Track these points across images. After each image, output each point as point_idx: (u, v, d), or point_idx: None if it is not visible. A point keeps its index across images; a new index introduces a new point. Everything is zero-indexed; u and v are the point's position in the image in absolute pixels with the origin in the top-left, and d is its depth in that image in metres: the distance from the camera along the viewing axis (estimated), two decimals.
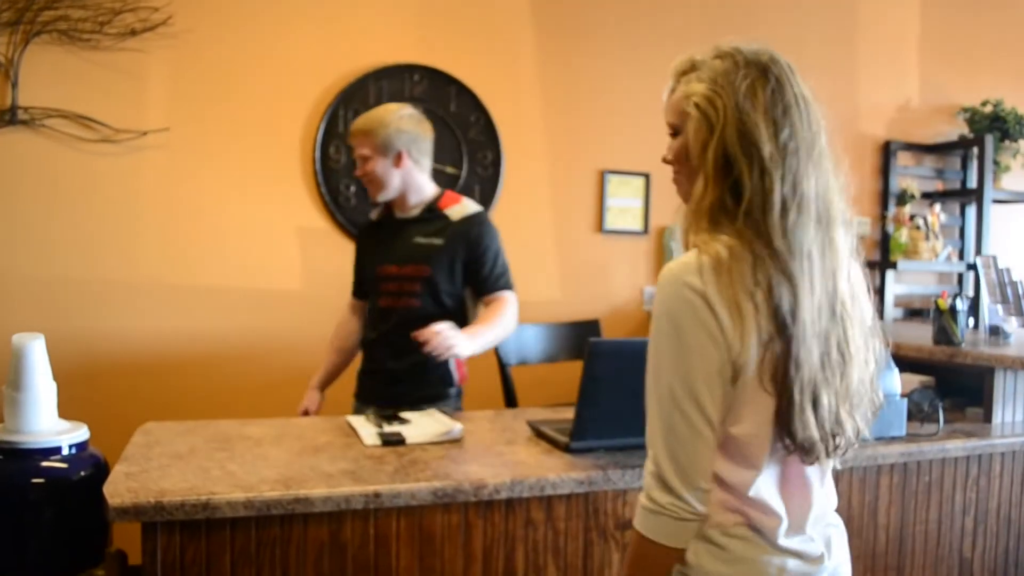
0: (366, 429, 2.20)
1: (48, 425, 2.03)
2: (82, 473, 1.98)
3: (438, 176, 3.65)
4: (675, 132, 1.35)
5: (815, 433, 1.25)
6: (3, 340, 2.12)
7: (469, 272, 2.60)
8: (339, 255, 3.58)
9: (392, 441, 2.09)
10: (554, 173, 4.04)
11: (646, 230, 4.20)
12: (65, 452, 1.99)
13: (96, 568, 1.92)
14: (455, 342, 2.30)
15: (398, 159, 2.58)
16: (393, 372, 2.62)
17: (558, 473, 1.88)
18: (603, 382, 1.96)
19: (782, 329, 1.21)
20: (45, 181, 3.35)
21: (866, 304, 1.36)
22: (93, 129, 3.37)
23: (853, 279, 1.33)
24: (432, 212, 2.64)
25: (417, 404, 2.53)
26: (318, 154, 3.57)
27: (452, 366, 2.64)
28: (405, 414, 2.37)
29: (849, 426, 1.29)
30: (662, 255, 4.23)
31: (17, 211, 3.34)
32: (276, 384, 3.51)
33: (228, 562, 1.71)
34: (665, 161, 1.38)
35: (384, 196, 2.65)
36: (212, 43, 3.48)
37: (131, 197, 3.44)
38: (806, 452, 1.26)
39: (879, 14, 4.76)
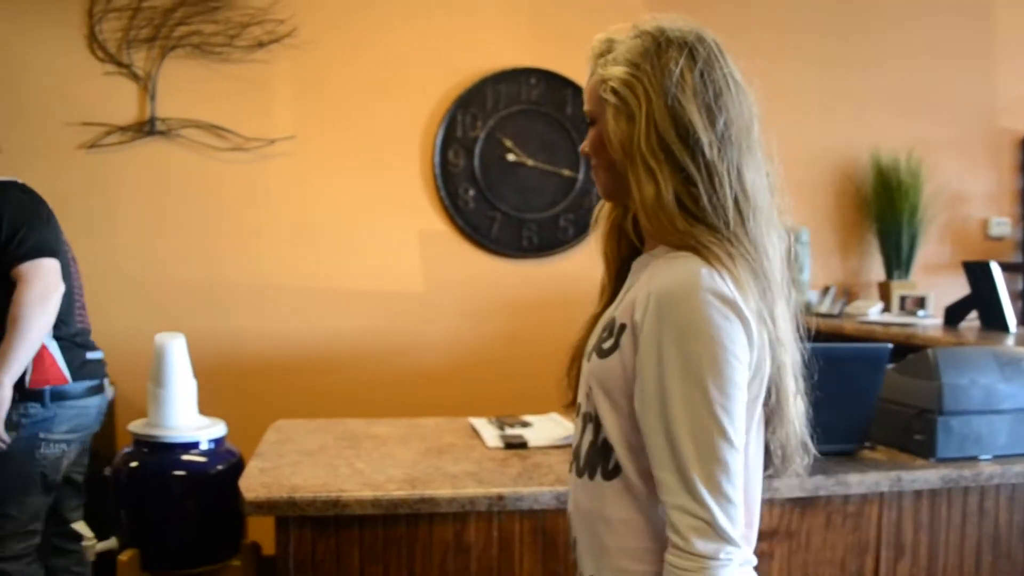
0: (488, 431, 2.22)
1: (188, 421, 2.13)
2: (219, 467, 2.07)
3: (555, 179, 3.66)
4: (592, 121, 1.19)
5: (796, 446, 1.19)
6: (147, 339, 2.24)
7: None
8: (459, 258, 3.64)
9: (514, 444, 2.09)
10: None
11: None
12: (204, 447, 2.09)
13: (232, 559, 2.00)
14: None
15: None
16: None
17: None
18: None
19: (774, 338, 1.12)
20: (182, 188, 3.53)
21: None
22: (225, 138, 3.52)
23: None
24: None
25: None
26: (437, 159, 3.63)
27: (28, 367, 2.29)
28: (527, 417, 2.38)
29: (802, 441, 1.21)
30: None
31: (157, 217, 3.53)
32: (399, 383, 3.59)
33: (357, 558, 1.75)
34: (583, 153, 1.23)
35: None
36: (334, 52, 3.58)
37: (261, 202, 3.58)
38: (784, 464, 1.21)
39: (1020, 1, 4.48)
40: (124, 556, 1.92)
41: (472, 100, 3.63)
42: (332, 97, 3.59)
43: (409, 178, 3.67)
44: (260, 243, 3.59)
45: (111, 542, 2.01)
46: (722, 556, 1.02)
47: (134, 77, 3.48)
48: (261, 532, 1.94)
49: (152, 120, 3.48)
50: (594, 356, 1.16)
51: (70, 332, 2.38)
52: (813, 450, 1.23)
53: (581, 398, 1.21)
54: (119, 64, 3.47)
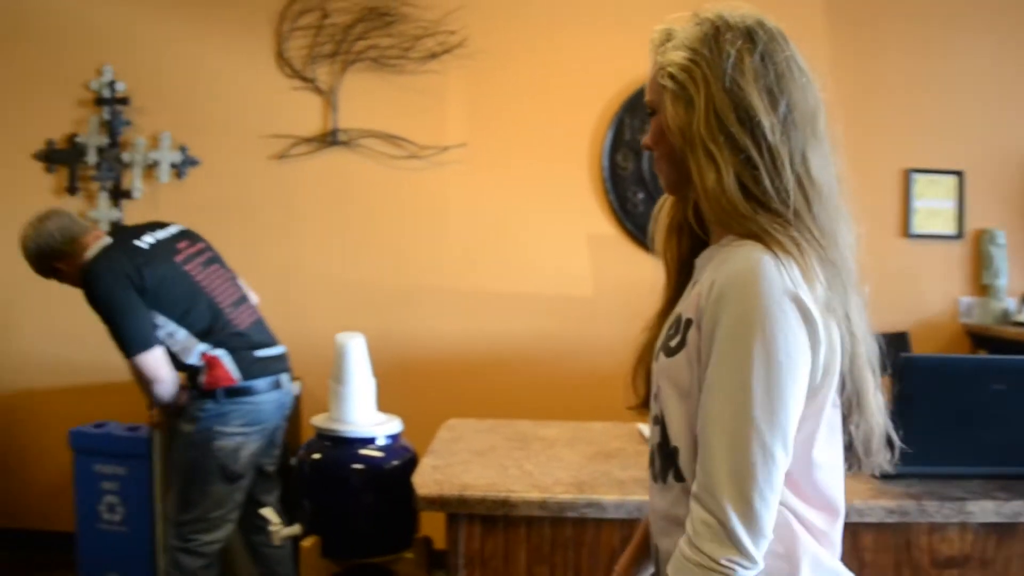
0: None
1: (367, 417, 2.23)
2: (395, 462, 2.15)
3: None
4: (653, 111, 1.16)
5: (878, 439, 1.14)
6: (331, 338, 2.36)
7: None
8: (628, 261, 3.61)
9: None
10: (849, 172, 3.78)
11: (960, 234, 3.80)
12: (380, 442, 2.17)
13: (406, 551, 2.07)
14: None
15: None
16: None
17: (864, 499, 1.74)
18: (918, 402, 1.79)
19: (848, 330, 1.07)
20: (361, 195, 3.70)
21: None
22: (400, 146, 3.66)
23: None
24: None
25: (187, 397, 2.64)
26: (606, 162, 3.62)
27: (201, 370, 2.60)
28: None
29: (879, 435, 1.16)
30: (980, 261, 3.80)
31: (340, 222, 3.73)
32: (568, 386, 3.61)
33: (524, 558, 1.77)
34: (645, 147, 1.19)
35: None
36: (503, 61, 3.65)
37: (436, 208, 3.70)
38: (867, 458, 1.15)
39: None
40: (306, 543, 2.03)
41: (640, 103, 3.59)
42: (502, 104, 3.66)
43: (578, 182, 3.68)
44: (434, 247, 3.71)
45: (295, 528, 2.12)
46: (724, 562, 0.98)
47: (318, 91, 3.68)
48: (433, 527, 2.00)
49: (334, 131, 3.68)
50: (662, 355, 1.14)
51: (231, 337, 2.60)
52: (898, 443, 1.17)
53: (652, 400, 1.19)
54: (304, 79, 3.68)
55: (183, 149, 3.75)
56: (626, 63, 3.63)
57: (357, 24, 3.63)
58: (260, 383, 2.60)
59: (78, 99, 3.80)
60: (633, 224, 3.62)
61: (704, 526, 1.00)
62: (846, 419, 1.12)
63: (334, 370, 2.23)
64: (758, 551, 0.99)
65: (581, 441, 2.21)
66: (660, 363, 1.14)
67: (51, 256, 2.62)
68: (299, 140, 3.70)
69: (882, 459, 1.16)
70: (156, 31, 3.74)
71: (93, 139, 3.79)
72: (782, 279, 1.00)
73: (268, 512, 2.23)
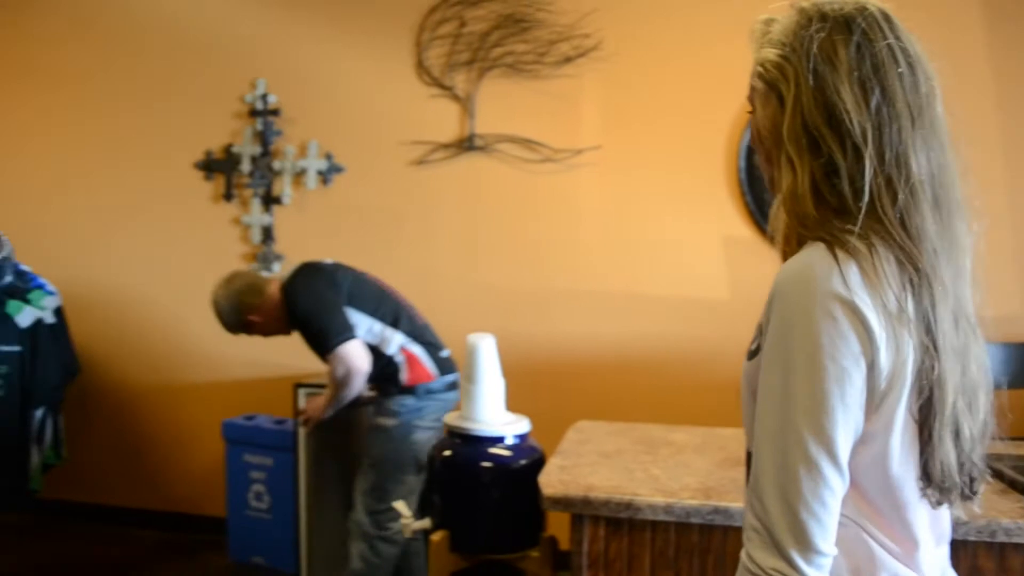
0: None
1: (496, 416, 2.26)
2: (523, 462, 2.16)
3: None
4: (752, 110, 1.10)
5: (955, 470, 1.00)
6: (464, 340, 2.41)
7: None
8: (764, 265, 3.49)
9: None
10: (1011, 169, 3.53)
11: None
12: (509, 441, 2.19)
13: (532, 549, 2.09)
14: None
15: None
16: None
17: (1014, 519, 1.63)
18: None
19: (928, 342, 0.96)
20: (497, 199, 3.76)
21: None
22: (535, 150, 3.70)
23: (974, 282, 1.04)
24: None
25: (380, 394, 2.91)
26: (743, 163, 3.53)
27: (401, 367, 2.84)
28: None
29: (982, 464, 1.04)
30: None
31: (475, 226, 3.81)
32: (700, 391, 3.54)
33: (648, 562, 1.75)
34: (752, 146, 1.13)
35: None
36: (638, 62, 3.62)
37: (570, 211, 3.72)
38: (942, 493, 1.01)
39: None
40: (435, 537, 2.08)
41: None
42: (636, 106, 3.64)
43: (713, 184, 3.61)
44: (567, 249, 3.73)
45: (425, 522, 2.18)
46: (771, 573, 0.94)
47: (455, 98, 3.78)
48: (560, 527, 2.01)
49: (471, 136, 3.76)
50: (745, 359, 1.10)
51: (424, 335, 2.87)
52: (987, 478, 1.07)
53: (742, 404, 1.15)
54: (442, 87, 3.78)
55: (329, 157, 3.93)
56: None
57: (493, 31, 3.70)
58: (447, 380, 2.87)
59: (234, 111, 4.05)
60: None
61: (754, 532, 0.98)
62: (921, 441, 1.01)
63: (465, 369, 2.28)
64: (810, 567, 0.94)
65: (711, 447, 2.17)
66: (743, 367, 1.12)
67: (245, 311, 2.90)
68: (437, 146, 3.80)
69: (955, 497, 1.03)
70: (305, 46, 3.94)
71: (247, 149, 4.03)
72: (831, 281, 0.94)
73: (400, 505, 2.30)
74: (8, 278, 3.66)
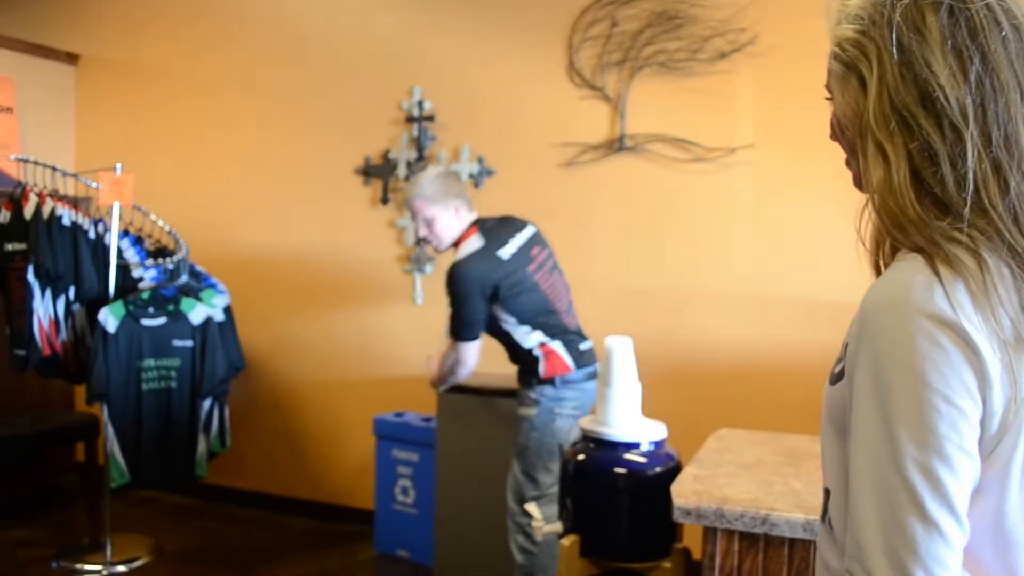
0: None
1: (632, 421, 2.20)
2: (657, 469, 2.09)
3: None
4: (830, 97, 0.95)
5: None
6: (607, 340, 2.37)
7: None
8: None
9: None
10: None
11: None
12: (644, 448, 2.13)
13: (664, 560, 2.01)
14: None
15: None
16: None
17: None
18: None
19: None
20: (648, 199, 3.68)
21: None
22: (687, 150, 3.59)
23: None
24: None
25: (521, 385, 2.99)
26: None
27: (539, 359, 2.90)
28: None
29: None
30: None
31: (625, 227, 3.74)
32: None
33: None
34: (832, 138, 0.97)
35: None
36: (796, 55, 3.43)
37: (722, 212, 3.58)
38: None
39: None
40: (566, 541, 2.04)
41: None
42: (792, 102, 3.46)
43: None
44: (719, 251, 3.59)
45: (556, 526, 2.15)
46: None
47: (606, 99, 3.73)
48: (695, 538, 1.92)
49: (621, 137, 3.70)
50: (828, 381, 0.95)
51: (565, 331, 2.95)
52: None
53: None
54: (593, 88, 3.75)
55: (480, 160, 3.98)
56: None
57: (645, 30, 3.62)
58: (585, 372, 2.92)
59: (392, 118, 4.18)
60: None
61: None
62: None
63: (601, 373, 2.23)
64: None
65: None
66: (825, 392, 0.96)
67: (441, 202, 2.96)
68: (587, 147, 3.77)
69: None
70: (459, 53, 4.01)
71: (403, 154, 4.15)
72: (935, 302, 0.80)
73: (532, 508, 2.27)
74: (184, 278, 3.93)
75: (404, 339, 4.13)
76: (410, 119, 4.12)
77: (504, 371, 3.84)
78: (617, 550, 2.05)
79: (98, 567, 3.70)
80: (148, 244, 4.15)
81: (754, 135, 3.51)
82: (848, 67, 0.91)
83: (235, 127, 4.57)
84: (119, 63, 4.93)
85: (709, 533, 1.70)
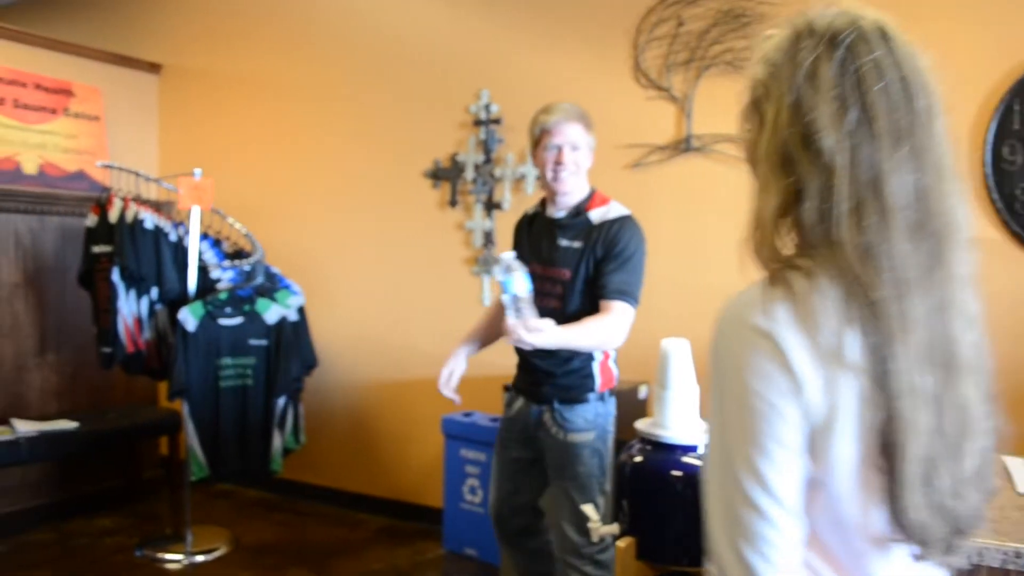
0: (1022, 472, 1.87)
1: (689, 423, 2.18)
2: None
3: None
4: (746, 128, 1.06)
5: (930, 521, 0.92)
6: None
7: (596, 272, 2.49)
8: (1017, 269, 3.12)
9: None
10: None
11: None
12: (702, 451, 2.12)
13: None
14: (523, 334, 2.20)
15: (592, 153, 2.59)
16: (538, 370, 2.59)
17: None
18: None
19: (877, 383, 0.89)
20: (714, 200, 3.65)
21: (984, 353, 0.98)
22: None
23: (970, 316, 0.96)
24: (579, 214, 2.58)
25: (562, 403, 2.55)
26: (989, 156, 3.16)
27: (595, 370, 2.57)
28: None
29: (971, 515, 0.95)
30: None
31: (691, 228, 3.71)
32: None
33: None
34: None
35: (571, 195, 2.59)
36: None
37: None
38: (922, 545, 0.94)
39: None
40: (622, 543, 2.04)
41: None
42: None
43: None
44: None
45: (613, 527, 2.15)
46: None
47: (672, 99, 3.71)
48: None
49: (688, 138, 3.67)
50: None
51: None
52: (975, 527, 0.98)
53: None
54: (659, 88, 3.73)
55: None
56: (1016, 40, 3.15)
57: (712, 29, 3.59)
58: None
59: (459, 122, 4.23)
60: (1021, 227, 3.11)
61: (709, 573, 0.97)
62: (887, 489, 0.93)
63: (658, 375, 2.22)
64: None
65: None
66: None
67: (592, 134, 2.60)
68: (653, 148, 3.75)
69: (937, 549, 0.95)
70: (525, 56, 4.04)
71: (471, 157, 4.20)
72: (759, 318, 0.92)
73: (588, 509, 2.28)
74: (259, 279, 4.06)
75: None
76: (477, 122, 4.17)
77: None
78: (673, 553, 2.04)
79: (179, 557, 3.86)
80: (226, 246, 4.30)
81: None
82: (754, 104, 1.01)
83: (308, 132, 4.70)
84: (199, 72, 5.12)
85: None
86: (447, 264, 4.28)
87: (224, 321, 3.85)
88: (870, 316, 0.90)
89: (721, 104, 3.60)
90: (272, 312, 3.94)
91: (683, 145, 3.68)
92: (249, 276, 4.09)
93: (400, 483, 4.41)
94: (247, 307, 3.91)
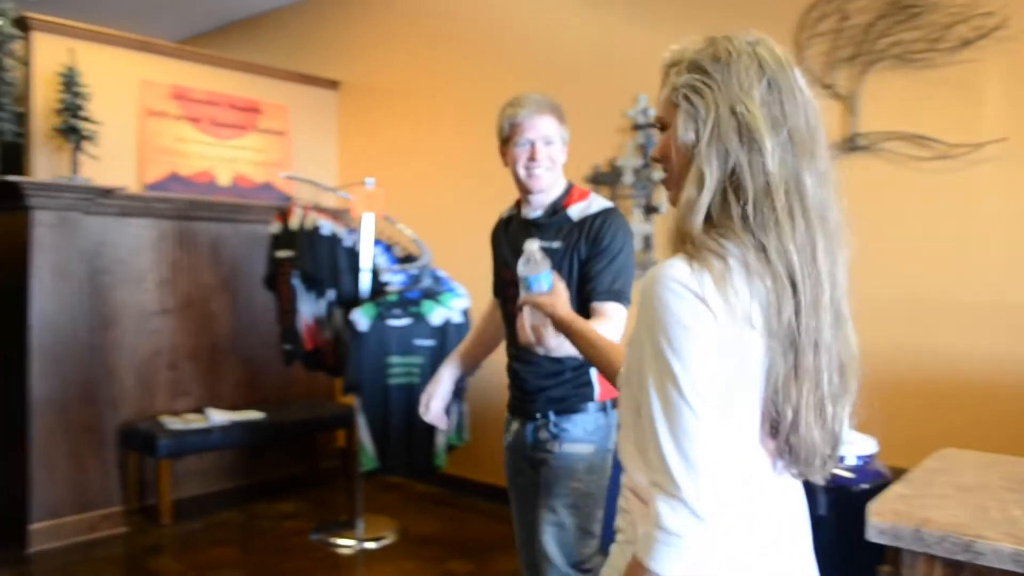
0: None
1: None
2: (863, 486, 2.02)
3: None
4: (663, 127, 1.24)
5: (819, 442, 1.19)
6: None
7: (582, 273, 2.19)
8: None
9: None
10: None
11: None
12: (850, 462, 2.06)
13: None
14: (550, 339, 1.85)
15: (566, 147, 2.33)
16: (528, 384, 2.31)
17: None
18: None
19: (786, 338, 1.14)
20: (882, 201, 3.48)
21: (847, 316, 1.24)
22: (927, 147, 3.36)
23: (845, 289, 1.23)
24: (557, 212, 2.31)
25: (558, 414, 2.26)
26: None
27: (594, 377, 2.25)
28: None
29: (842, 434, 1.23)
30: None
31: (857, 229, 3.55)
32: None
33: None
34: (653, 160, 1.26)
35: (547, 193, 2.33)
36: None
37: (966, 213, 3.31)
38: (807, 464, 1.21)
39: None
40: None
41: None
42: None
43: None
44: (963, 256, 3.32)
45: None
46: (652, 485, 1.14)
47: (836, 96, 3.57)
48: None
49: (854, 136, 3.53)
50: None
51: None
52: (840, 453, 1.27)
53: None
54: (823, 86, 3.59)
55: None
56: None
57: (878, 21, 3.43)
58: None
59: (617, 126, 4.26)
60: None
61: (662, 503, 1.15)
62: (779, 428, 1.18)
63: None
64: (689, 481, 1.10)
65: None
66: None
67: (566, 126, 2.39)
68: None
69: (821, 474, 1.25)
70: None
71: (629, 161, 4.22)
72: (682, 275, 1.12)
73: None
74: (426, 282, 4.26)
75: None
76: (635, 126, 4.18)
77: None
78: (822, 567, 2.00)
79: (350, 542, 4.12)
80: (397, 251, 4.54)
81: (1006, 128, 3.20)
82: (693, 107, 1.17)
83: (470, 141, 4.87)
84: (374, 87, 5.43)
85: (907, 557, 1.62)
86: None
87: (392, 322, 4.06)
88: (787, 287, 1.13)
89: (890, 100, 3.43)
90: (437, 314, 4.12)
91: (849, 144, 3.54)
92: (416, 279, 4.29)
93: None
94: (414, 309, 4.11)
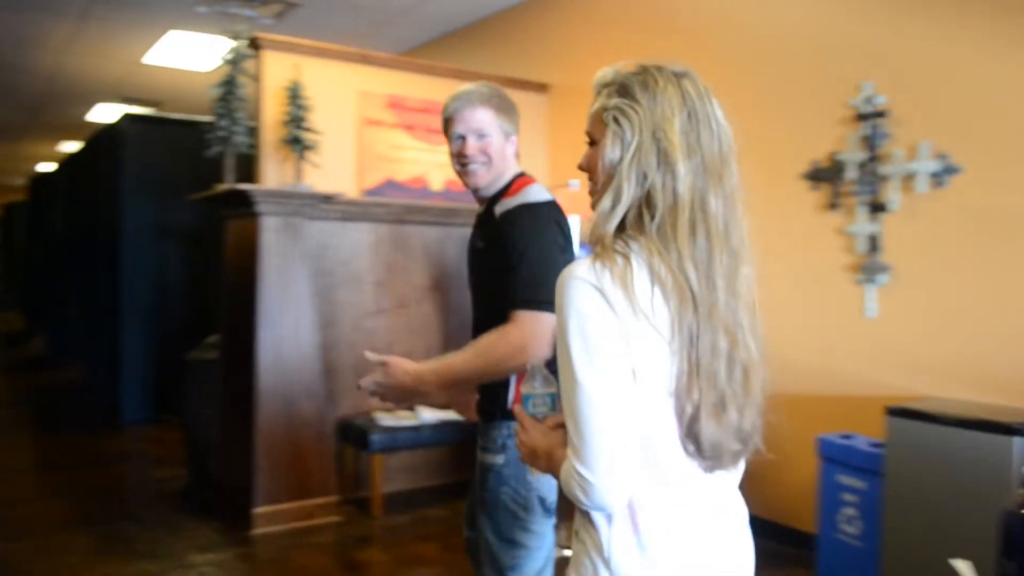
0: None
1: None
2: None
3: None
4: (592, 141, 1.34)
5: (724, 440, 1.26)
6: None
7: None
8: None
9: None
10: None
11: None
12: None
13: None
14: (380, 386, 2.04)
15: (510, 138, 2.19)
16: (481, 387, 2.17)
17: None
18: None
19: (686, 338, 1.21)
20: None
21: (759, 323, 1.33)
22: None
23: (750, 303, 1.31)
24: (488, 210, 2.15)
25: (482, 420, 2.15)
26: None
27: (510, 386, 2.06)
28: None
29: (753, 431, 1.32)
30: None
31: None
32: None
33: None
34: (579, 168, 1.37)
35: (488, 188, 2.17)
36: None
37: None
38: (716, 459, 1.27)
39: None
40: None
41: None
42: None
43: None
44: None
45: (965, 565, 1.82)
46: (572, 472, 1.22)
47: None
48: None
49: None
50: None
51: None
52: (755, 440, 1.35)
53: None
54: None
55: (943, 157, 3.54)
56: None
57: None
58: None
59: (838, 117, 3.92)
60: None
61: (574, 482, 1.24)
62: (684, 419, 1.24)
63: None
64: (596, 466, 1.18)
65: None
66: None
67: (506, 120, 2.20)
68: None
69: (727, 463, 1.31)
70: (915, 41, 3.61)
71: (852, 155, 3.86)
72: (586, 273, 1.21)
73: (962, 565, 1.95)
74: None
75: (852, 355, 3.84)
76: (860, 117, 3.82)
77: (964, 395, 3.40)
78: None
79: None
80: None
81: None
82: (620, 128, 1.27)
83: None
84: (583, 89, 5.35)
85: None
86: (825, 273, 3.98)
87: None
88: (689, 297, 1.21)
89: None
90: None
91: None
92: None
93: (771, 503, 4.20)
94: None
